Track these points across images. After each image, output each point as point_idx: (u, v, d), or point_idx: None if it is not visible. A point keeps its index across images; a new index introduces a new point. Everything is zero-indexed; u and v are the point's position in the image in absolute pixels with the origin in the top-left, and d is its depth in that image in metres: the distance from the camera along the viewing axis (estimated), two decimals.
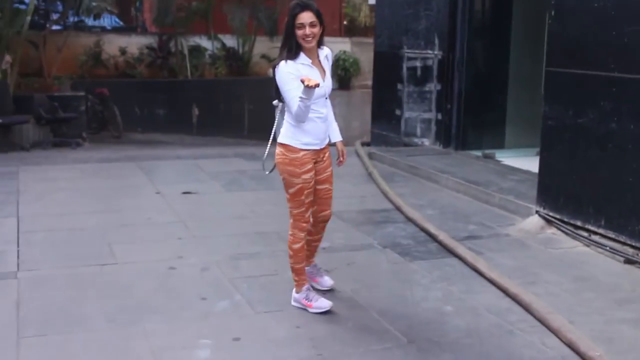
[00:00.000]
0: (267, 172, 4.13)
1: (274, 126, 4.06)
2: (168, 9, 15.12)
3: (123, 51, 15.17)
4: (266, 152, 4.11)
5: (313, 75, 3.88)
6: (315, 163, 4.05)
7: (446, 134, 8.99)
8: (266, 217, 6.07)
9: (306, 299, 4.10)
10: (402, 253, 5.20)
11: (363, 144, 10.24)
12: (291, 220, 4.08)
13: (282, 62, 3.89)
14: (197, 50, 15.59)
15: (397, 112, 9.81)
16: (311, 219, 4.15)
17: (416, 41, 9.40)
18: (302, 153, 3.99)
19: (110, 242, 5.42)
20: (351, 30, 17.45)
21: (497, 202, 6.48)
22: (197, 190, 7.09)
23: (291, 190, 4.02)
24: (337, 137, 4.25)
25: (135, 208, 6.37)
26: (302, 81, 3.67)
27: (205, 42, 15.78)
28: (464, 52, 8.73)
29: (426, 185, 7.44)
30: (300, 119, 3.87)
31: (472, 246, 5.30)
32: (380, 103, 10.31)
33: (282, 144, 4.00)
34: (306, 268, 4.28)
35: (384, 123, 10.17)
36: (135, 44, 15.42)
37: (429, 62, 9.18)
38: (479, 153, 8.53)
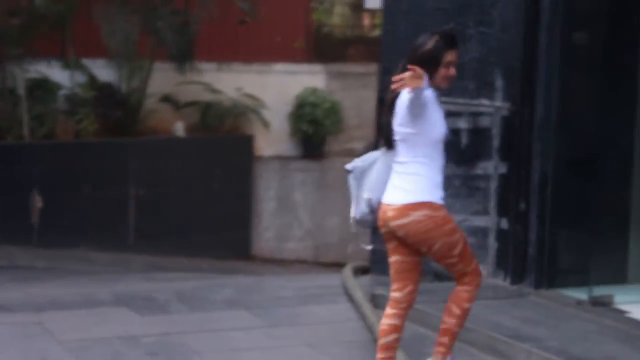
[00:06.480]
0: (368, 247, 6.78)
1: (353, 202, 5.99)
2: None
3: None
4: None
5: (441, 113, 5.84)
6: None
7: (518, 257, 8.83)
8: None
9: None
10: None
11: (357, 271, 10.04)
12: (466, 279, 5.95)
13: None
14: (43, 87, 15.24)
15: None
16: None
17: (460, 83, 9.04)
18: (444, 210, 5.82)
19: None
20: (324, 48, 17.18)
21: None
22: None
23: (457, 251, 5.84)
24: None
25: None
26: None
27: (58, 73, 15.43)
28: (553, 106, 8.67)
29: None
30: (419, 103, 5.58)
31: None
32: None
33: (424, 203, 5.73)
34: None
35: None
36: None
37: (485, 122, 9.00)
38: (582, 295, 8.36)
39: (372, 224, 6.00)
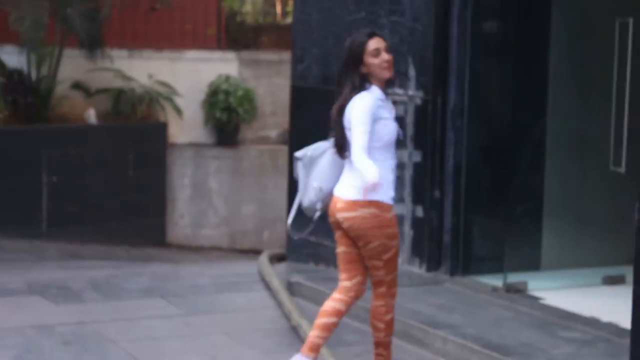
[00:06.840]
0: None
1: (300, 189, 6.17)
2: None
3: None
4: (292, 213, 6.28)
5: (391, 113, 6.05)
6: None
7: (433, 245, 8.89)
8: None
9: None
10: None
11: (274, 259, 10.04)
12: (381, 289, 6.07)
13: (368, 94, 5.88)
14: None
15: None
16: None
17: None
18: (393, 211, 5.99)
19: None
20: (236, 36, 17.09)
21: None
22: None
23: (387, 256, 5.97)
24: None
25: None
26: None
27: None
28: (466, 94, 8.73)
29: (405, 352, 7.23)
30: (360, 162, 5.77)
31: None
32: None
33: (374, 202, 5.87)
34: None
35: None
36: None
37: (399, 111, 8.69)
38: (497, 282, 8.43)
39: (321, 211, 6.11)
